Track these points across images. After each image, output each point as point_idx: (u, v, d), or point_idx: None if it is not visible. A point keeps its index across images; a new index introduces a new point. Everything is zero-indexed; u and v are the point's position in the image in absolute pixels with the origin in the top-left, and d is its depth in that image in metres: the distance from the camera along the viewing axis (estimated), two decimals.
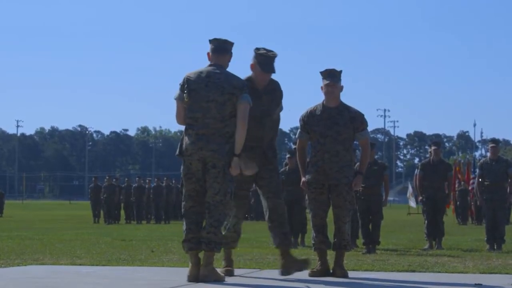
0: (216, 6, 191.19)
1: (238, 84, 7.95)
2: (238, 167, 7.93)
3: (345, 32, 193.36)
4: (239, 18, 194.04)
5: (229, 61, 8.17)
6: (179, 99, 8.04)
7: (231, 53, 8.18)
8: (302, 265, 8.52)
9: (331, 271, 8.68)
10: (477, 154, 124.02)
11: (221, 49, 8.13)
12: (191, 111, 8.00)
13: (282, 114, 8.61)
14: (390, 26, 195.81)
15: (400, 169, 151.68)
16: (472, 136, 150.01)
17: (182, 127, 8.13)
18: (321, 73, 8.77)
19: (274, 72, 8.38)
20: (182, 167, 8.03)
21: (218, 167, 7.87)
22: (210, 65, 8.10)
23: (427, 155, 16.47)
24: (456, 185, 32.77)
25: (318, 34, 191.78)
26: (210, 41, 8.13)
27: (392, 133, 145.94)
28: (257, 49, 8.41)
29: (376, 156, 14.73)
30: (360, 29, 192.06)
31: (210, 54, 8.12)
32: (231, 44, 8.17)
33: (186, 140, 8.01)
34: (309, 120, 8.78)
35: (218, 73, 8.00)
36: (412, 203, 45.55)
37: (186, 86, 8.00)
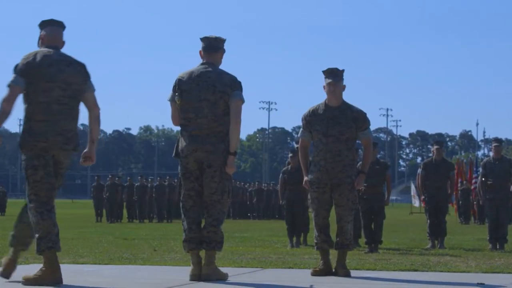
0: (216, 6, 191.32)
1: (229, 82, 7.91)
2: (234, 165, 7.92)
3: (347, 32, 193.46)
4: (239, 18, 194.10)
5: (221, 58, 8.11)
6: (172, 100, 8.04)
7: (224, 49, 8.11)
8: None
9: (333, 270, 8.68)
10: (479, 153, 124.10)
11: (212, 46, 8.09)
12: (183, 112, 7.98)
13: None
14: (392, 26, 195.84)
15: (402, 168, 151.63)
16: (474, 135, 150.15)
17: None
18: (324, 72, 8.77)
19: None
20: (179, 167, 8.02)
21: (214, 167, 7.86)
22: (202, 64, 8.06)
23: (430, 155, 16.45)
24: (459, 185, 32.77)
25: (319, 34, 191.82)
26: (201, 39, 8.09)
27: (394, 132, 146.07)
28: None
29: (378, 156, 14.72)
30: (362, 28, 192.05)
31: (202, 52, 8.10)
32: (223, 41, 8.12)
33: (181, 141, 8.01)
34: (312, 119, 8.78)
35: (210, 71, 7.96)
36: (416, 203, 45.60)
37: (177, 87, 8.00)
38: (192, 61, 8.22)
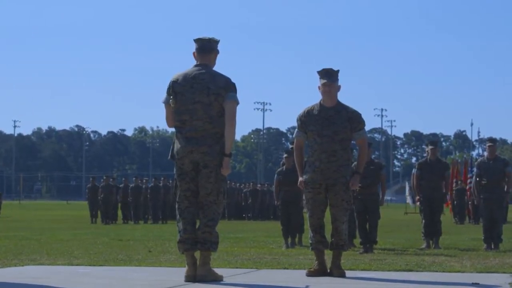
0: (215, 6, 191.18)
1: (223, 83, 7.91)
2: (230, 167, 7.93)
3: (341, 32, 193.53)
4: (234, 18, 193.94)
5: (215, 59, 8.11)
6: (166, 103, 8.04)
7: (217, 50, 8.12)
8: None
9: (328, 271, 8.68)
10: (474, 153, 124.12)
11: (206, 48, 8.08)
12: (178, 114, 7.99)
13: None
14: (386, 26, 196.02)
15: (397, 168, 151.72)
16: (469, 135, 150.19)
17: None
18: (318, 72, 8.78)
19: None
20: (175, 168, 8.03)
21: (210, 167, 7.87)
22: (195, 66, 8.06)
23: (424, 155, 16.46)
24: (453, 185, 32.80)
25: (314, 34, 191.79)
26: (195, 41, 8.09)
27: (389, 132, 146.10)
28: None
29: (373, 156, 14.73)
30: (357, 28, 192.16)
31: (196, 54, 8.10)
32: (216, 42, 8.11)
33: (176, 143, 8.01)
34: (306, 119, 8.78)
35: (203, 73, 7.96)
36: (410, 202, 45.80)
37: (171, 89, 7.99)
38: (189, 62, 8.21)
